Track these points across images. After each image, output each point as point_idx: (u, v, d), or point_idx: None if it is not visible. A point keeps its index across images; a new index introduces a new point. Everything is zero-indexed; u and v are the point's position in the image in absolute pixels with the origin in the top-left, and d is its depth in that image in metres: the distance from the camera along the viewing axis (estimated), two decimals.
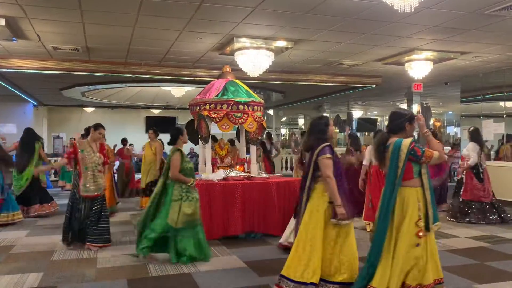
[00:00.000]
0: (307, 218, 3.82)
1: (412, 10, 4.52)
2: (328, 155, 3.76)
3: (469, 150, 7.36)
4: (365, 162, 6.63)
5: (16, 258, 5.28)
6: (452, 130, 26.84)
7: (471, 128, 7.70)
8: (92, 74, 9.60)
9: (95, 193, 5.61)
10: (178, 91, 13.37)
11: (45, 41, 7.41)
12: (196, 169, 6.92)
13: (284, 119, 23.66)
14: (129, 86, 13.37)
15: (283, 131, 26.04)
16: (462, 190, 7.50)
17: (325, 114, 20.76)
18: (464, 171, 7.48)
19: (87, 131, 7.16)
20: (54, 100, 16.15)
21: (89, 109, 19.15)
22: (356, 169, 7.14)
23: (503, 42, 7.54)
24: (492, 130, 10.06)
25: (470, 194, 7.37)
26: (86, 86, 12.67)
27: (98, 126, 5.79)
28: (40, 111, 17.85)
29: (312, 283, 3.69)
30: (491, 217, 7.23)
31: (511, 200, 8.72)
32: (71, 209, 5.64)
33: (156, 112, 20.09)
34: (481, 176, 7.33)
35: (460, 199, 7.51)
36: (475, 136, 7.49)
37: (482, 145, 7.49)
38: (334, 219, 3.72)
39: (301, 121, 25.36)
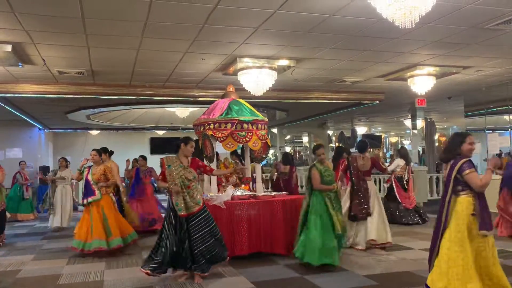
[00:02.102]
0: (452, 232, 3.82)
1: (413, 26, 4.55)
2: (468, 170, 3.78)
3: (394, 164, 9.07)
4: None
5: (23, 283, 5.25)
6: None
7: (400, 147, 9.28)
8: (97, 97, 9.69)
9: (188, 212, 5.04)
10: (182, 112, 13.45)
11: (51, 65, 7.52)
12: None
13: (288, 137, 23.67)
14: (133, 108, 13.46)
15: (288, 149, 26.02)
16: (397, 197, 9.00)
17: (329, 131, 20.74)
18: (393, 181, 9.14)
19: (104, 151, 7.52)
20: (59, 123, 16.27)
21: (94, 132, 19.27)
22: None
23: (505, 55, 7.57)
24: (497, 144, 10.02)
25: (405, 202, 8.90)
26: (91, 109, 12.77)
27: (189, 140, 5.39)
28: (46, 135, 17.98)
29: None
30: (415, 219, 8.85)
31: None
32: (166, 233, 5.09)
33: (160, 133, 20.18)
34: (406, 186, 9.00)
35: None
36: (402, 153, 9.39)
37: (408, 161, 9.12)
38: (482, 230, 3.76)
39: (305, 139, 25.35)
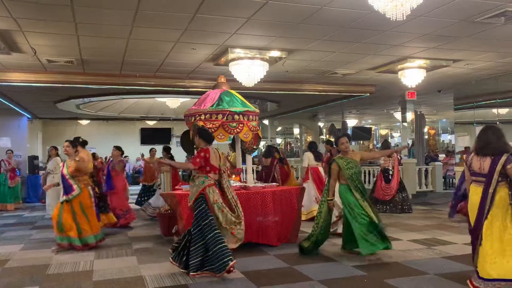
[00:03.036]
0: (494, 221, 4.13)
1: (404, 18, 4.56)
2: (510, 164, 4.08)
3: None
4: None
5: (10, 273, 5.22)
6: (446, 138, 27.00)
7: (383, 140, 9.75)
8: (87, 86, 9.59)
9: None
10: (173, 102, 13.38)
11: (40, 54, 7.42)
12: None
13: (279, 128, 23.70)
14: (124, 98, 13.36)
15: (279, 140, 26.07)
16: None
17: (319, 123, 20.83)
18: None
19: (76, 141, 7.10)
20: (49, 113, 16.10)
21: (84, 122, 19.11)
22: None
23: (494, 49, 7.63)
24: None
25: (377, 193, 9.61)
26: (81, 99, 12.65)
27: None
28: (35, 125, 17.78)
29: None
30: (394, 208, 9.45)
31: None
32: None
33: (151, 123, 20.07)
34: (389, 178, 9.51)
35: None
36: (385, 146, 10.23)
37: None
38: None
39: (296, 131, 25.41)
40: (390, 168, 9.57)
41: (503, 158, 4.10)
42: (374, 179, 10.03)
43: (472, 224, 4.31)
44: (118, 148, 8.82)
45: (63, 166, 6.42)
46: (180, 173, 13.66)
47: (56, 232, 6.27)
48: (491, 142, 4.25)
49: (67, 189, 6.27)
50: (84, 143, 7.67)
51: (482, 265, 4.13)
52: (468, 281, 4.26)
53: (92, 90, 10.76)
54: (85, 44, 6.93)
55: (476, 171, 4.32)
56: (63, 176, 6.33)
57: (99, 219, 6.73)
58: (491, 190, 4.13)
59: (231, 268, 4.71)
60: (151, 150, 10.37)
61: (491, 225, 4.13)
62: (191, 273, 4.79)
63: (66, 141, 6.57)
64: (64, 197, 6.28)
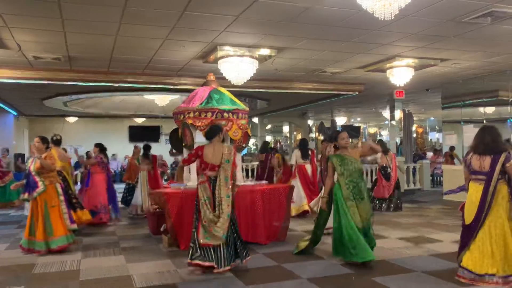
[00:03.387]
0: (495, 217, 4.36)
1: (393, 17, 4.58)
2: (509, 162, 4.35)
3: (372, 156, 9.06)
4: None
5: None
6: (434, 136, 27.28)
7: (378, 139, 10.14)
8: (74, 83, 9.47)
9: None
10: (161, 100, 13.30)
11: (26, 50, 7.31)
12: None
13: (269, 126, 23.72)
14: (112, 96, 13.24)
15: (268, 138, 26.09)
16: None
17: (309, 122, 20.89)
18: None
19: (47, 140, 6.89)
20: (36, 110, 15.92)
21: (72, 119, 18.93)
22: None
23: (481, 49, 7.71)
24: (472, 136, 10.22)
25: (377, 192, 9.55)
26: (68, 96, 12.51)
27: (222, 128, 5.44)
28: (21, 122, 17.56)
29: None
30: (386, 206, 9.51)
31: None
32: None
33: (139, 121, 19.95)
34: (389, 175, 9.48)
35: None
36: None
37: (386, 151, 9.41)
38: None
39: (285, 129, 25.46)
40: (389, 166, 9.60)
41: (502, 157, 4.34)
42: (375, 177, 10.09)
43: (470, 220, 4.46)
44: (96, 145, 8.84)
45: (31, 162, 6.11)
46: (169, 171, 13.60)
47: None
48: (490, 142, 4.46)
49: (33, 186, 5.96)
50: (57, 141, 7.59)
51: (474, 260, 4.37)
52: (456, 277, 4.48)
53: (80, 87, 10.65)
54: (72, 40, 6.85)
55: (476, 169, 4.51)
56: (29, 173, 6.04)
57: (72, 220, 6.30)
58: (491, 188, 4.36)
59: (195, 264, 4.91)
60: (135, 147, 10.45)
61: (490, 222, 4.36)
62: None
63: (38, 136, 6.33)
64: (26, 196, 6.01)
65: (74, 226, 6.37)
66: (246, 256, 5.10)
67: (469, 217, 4.50)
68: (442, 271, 4.89)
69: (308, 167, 9.00)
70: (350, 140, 5.78)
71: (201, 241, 4.88)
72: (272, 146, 10.29)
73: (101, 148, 8.79)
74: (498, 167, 4.34)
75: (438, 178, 14.90)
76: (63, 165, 7.43)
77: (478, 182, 4.50)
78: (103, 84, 9.64)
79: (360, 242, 5.06)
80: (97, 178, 8.50)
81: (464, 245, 4.51)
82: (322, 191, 5.86)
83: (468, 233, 4.48)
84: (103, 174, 8.60)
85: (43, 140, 6.26)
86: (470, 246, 4.42)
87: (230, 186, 5.07)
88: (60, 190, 6.16)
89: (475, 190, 4.50)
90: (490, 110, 10.69)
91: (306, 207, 8.56)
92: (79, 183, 11.36)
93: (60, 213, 6.07)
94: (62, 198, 6.16)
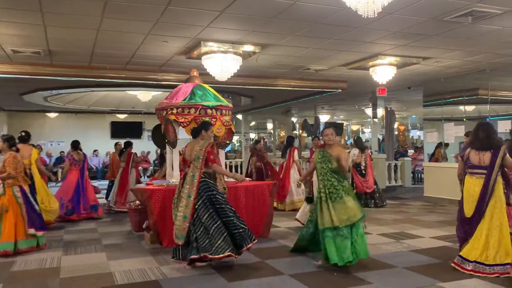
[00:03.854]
0: (494, 207, 4.60)
1: (376, 15, 4.60)
2: (507, 155, 4.63)
3: (351, 154, 9.48)
4: None
5: None
6: (415, 134, 27.65)
7: (356, 137, 11.13)
8: (54, 78, 9.30)
9: None
10: (144, 96, 13.15)
11: (4, 43, 7.15)
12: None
13: (252, 123, 23.71)
14: (93, 91, 13.03)
15: (252, 135, 26.09)
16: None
17: (293, 119, 20.96)
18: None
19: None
20: (15, 105, 15.59)
21: (52, 115, 18.58)
22: None
23: (462, 47, 7.82)
24: (453, 133, 10.42)
25: (358, 188, 9.64)
26: (49, 91, 12.28)
27: (209, 125, 5.33)
28: (0, 117, 17.19)
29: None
30: (368, 202, 9.68)
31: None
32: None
33: (122, 117, 19.71)
34: (363, 172, 9.87)
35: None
36: (357, 142, 10.46)
37: (363, 149, 10.11)
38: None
39: (269, 126, 25.48)
40: (362, 163, 9.91)
41: (501, 151, 4.60)
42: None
43: (471, 213, 4.67)
44: (72, 142, 9.09)
45: None
46: (151, 167, 13.52)
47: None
48: (485, 138, 4.69)
49: None
50: (23, 139, 7.40)
51: (471, 249, 4.64)
52: (453, 264, 4.79)
53: (60, 82, 10.45)
54: (53, 34, 6.71)
55: (475, 164, 4.70)
56: None
57: (38, 225, 5.91)
58: (492, 182, 4.58)
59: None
60: (116, 144, 10.61)
61: (491, 213, 4.59)
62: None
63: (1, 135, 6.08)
64: None
65: (32, 231, 5.79)
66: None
67: (469, 211, 4.69)
68: (422, 266, 4.97)
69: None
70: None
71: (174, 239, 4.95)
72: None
73: (73, 145, 8.99)
74: (498, 161, 4.58)
75: (419, 175, 15.11)
76: (28, 163, 7.09)
77: (475, 176, 4.70)
78: (85, 79, 9.49)
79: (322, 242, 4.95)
80: (70, 174, 8.73)
81: (464, 239, 4.74)
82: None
83: (470, 226, 4.69)
84: (76, 171, 8.73)
85: (7, 139, 5.96)
86: (471, 237, 4.66)
87: (196, 185, 4.90)
88: (18, 194, 5.75)
89: (473, 184, 4.69)
90: (470, 108, 10.86)
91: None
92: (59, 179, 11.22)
93: (15, 218, 5.68)
94: (21, 201, 5.76)
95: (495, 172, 4.58)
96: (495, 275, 4.47)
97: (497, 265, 4.51)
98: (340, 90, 11.69)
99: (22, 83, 10.59)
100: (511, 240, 4.57)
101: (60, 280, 4.64)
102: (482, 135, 4.71)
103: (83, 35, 6.77)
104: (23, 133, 7.49)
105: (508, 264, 4.51)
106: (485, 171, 4.63)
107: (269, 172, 10.16)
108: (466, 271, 4.60)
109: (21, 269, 5.06)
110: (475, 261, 4.58)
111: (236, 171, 16.28)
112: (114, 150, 10.70)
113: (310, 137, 20.58)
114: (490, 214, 4.60)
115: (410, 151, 18.74)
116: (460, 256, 4.74)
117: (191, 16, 5.91)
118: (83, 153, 9.02)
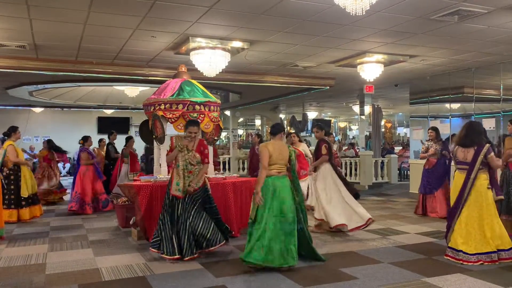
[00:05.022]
0: (474, 201, 4.93)
1: (364, 13, 4.64)
2: (491, 153, 4.92)
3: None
4: None
5: None
6: (402, 131, 27.94)
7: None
8: (40, 72, 9.18)
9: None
10: (132, 91, 13.06)
11: None
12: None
13: (241, 120, 23.69)
14: (80, 86, 12.90)
15: (240, 132, 26.08)
16: None
17: (281, 115, 20.98)
18: None
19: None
20: None
21: (38, 110, 18.33)
22: None
23: (448, 46, 7.92)
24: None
25: None
26: (34, 85, 12.12)
27: (189, 124, 5.29)
28: None
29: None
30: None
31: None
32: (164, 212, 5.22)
33: (109, 112, 19.54)
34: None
35: None
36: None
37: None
38: (498, 196, 5.03)
39: (257, 122, 25.49)
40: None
41: (484, 149, 4.90)
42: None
43: (452, 204, 5.11)
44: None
45: None
46: (139, 162, 13.46)
47: None
48: (463, 136, 5.07)
49: None
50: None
51: (455, 238, 4.98)
52: (446, 257, 5.06)
53: (46, 77, 10.33)
54: (39, 28, 6.62)
55: (460, 160, 5.11)
56: None
57: None
58: (472, 176, 4.93)
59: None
60: (100, 140, 10.86)
61: (469, 206, 4.94)
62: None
63: None
64: None
65: None
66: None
67: (452, 202, 5.15)
68: (408, 261, 5.04)
69: None
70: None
71: None
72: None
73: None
74: (479, 158, 4.89)
75: (405, 171, 15.28)
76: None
77: (461, 171, 5.10)
78: (71, 73, 9.38)
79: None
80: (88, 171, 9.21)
81: (449, 227, 5.15)
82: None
83: (452, 216, 5.11)
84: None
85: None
86: (454, 227, 5.04)
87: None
88: None
89: (459, 178, 5.09)
90: (455, 106, 11.00)
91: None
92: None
93: None
94: None
95: (476, 168, 4.92)
96: (479, 262, 4.80)
97: (479, 254, 4.84)
98: (328, 87, 11.74)
99: (7, 77, 10.43)
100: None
101: (45, 276, 4.60)
102: (462, 133, 5.13)
103: (70, 29, 6.69)
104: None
105: (492, 252, 4.85)
106: (467, 167, 5.01)
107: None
108: (463, 262, 4.84)
109: (6, 266, 5.00)
110: (461, 251, 4.91)
111: (224, 167, 16.28)
112: (98, 147, 10.80)
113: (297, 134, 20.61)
114: (469, 206, 4.95)
115: (397, 148, 18.91)
116: (450, 247, 5.06)
117: (179, 11, 5.87)
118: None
